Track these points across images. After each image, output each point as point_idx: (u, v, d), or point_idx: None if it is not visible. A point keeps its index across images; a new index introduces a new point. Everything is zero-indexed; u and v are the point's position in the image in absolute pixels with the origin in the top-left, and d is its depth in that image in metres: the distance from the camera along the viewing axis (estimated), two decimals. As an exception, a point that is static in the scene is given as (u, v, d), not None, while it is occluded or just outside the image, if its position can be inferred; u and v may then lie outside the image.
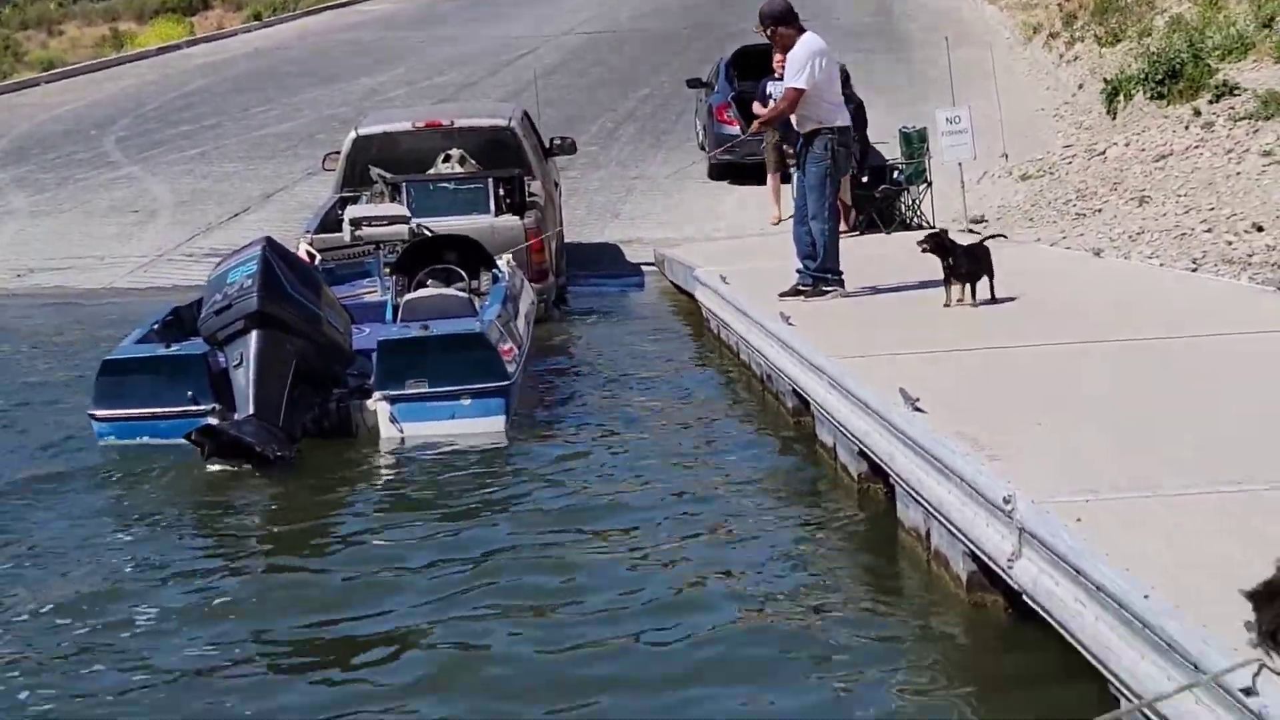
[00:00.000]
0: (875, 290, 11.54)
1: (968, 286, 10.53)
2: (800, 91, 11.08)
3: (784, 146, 15.18)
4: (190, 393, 9.44)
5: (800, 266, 11.49)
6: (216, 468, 8.94)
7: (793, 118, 11.38)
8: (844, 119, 11.40)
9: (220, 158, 23.98)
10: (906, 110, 20.17)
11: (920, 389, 7.40)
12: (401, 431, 9.61)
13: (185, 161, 23.78)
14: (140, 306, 14.91)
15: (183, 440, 9.07)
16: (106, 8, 51.87)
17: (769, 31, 11.34)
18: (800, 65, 11.08)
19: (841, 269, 11.43)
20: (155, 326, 10.35)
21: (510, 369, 9.85)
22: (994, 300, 10.55)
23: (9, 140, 26.58)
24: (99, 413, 9.56)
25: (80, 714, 5.81)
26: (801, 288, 11.37)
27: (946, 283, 10.57)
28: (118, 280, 17.45)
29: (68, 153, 25.04)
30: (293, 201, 20.47)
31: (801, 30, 11.27)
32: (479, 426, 9.60)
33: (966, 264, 10.55)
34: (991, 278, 10.58)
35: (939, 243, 10.65)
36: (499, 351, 9.81)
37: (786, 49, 11.28)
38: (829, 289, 11.32)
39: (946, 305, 10.51)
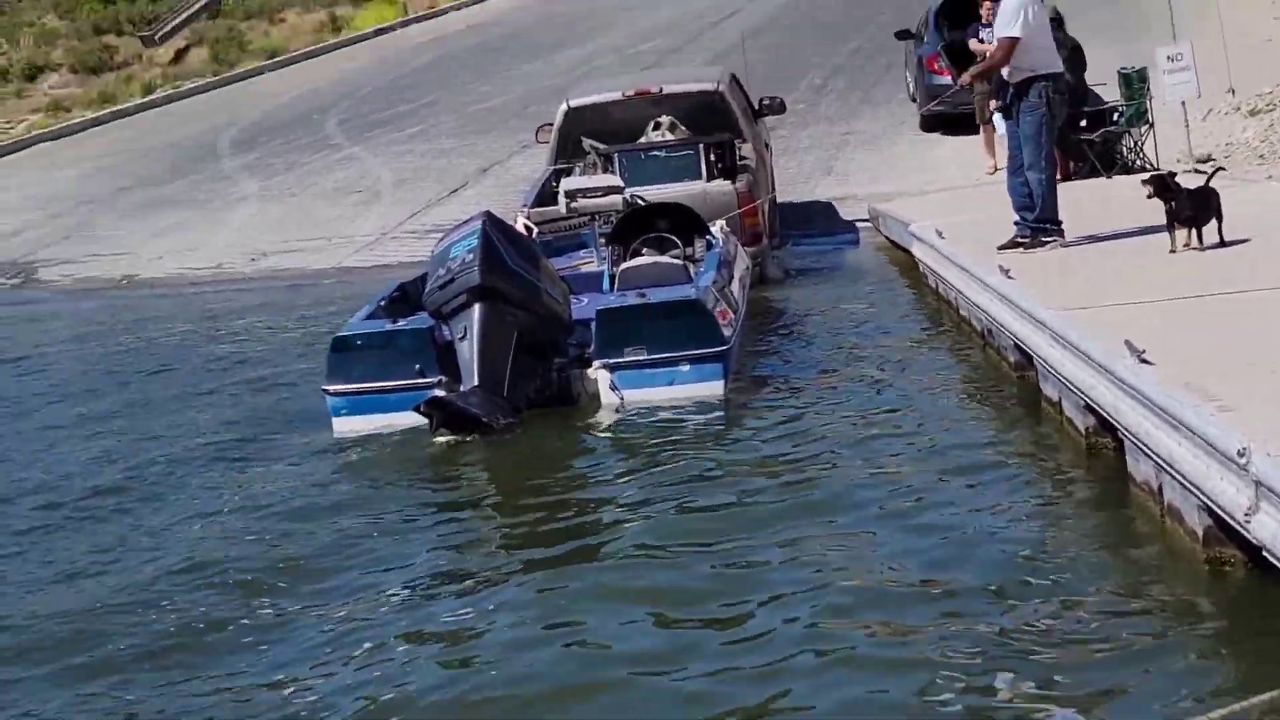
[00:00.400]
0: (1097, 238, 11.28)
1: (1194, 231, 10.22)
2: (1015, 40, 10.90)
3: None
4: (418, 366, 9.67)
5: (1018, 218, 11.30)
6: (443, 439, 9.19)
7: (1005, 68, 11.18)
8: (1057, 65, 11.22)
9: (437, 135, 24.47)
10: (1125, 50, 19.58)
11: (1147, 339, 7.22)
12: (622, 398, 9.74)
13: (404, 140, 24.33)
14: (367, 285, 15.36)
15: (412, 412, 9.33)
16: (323, -7, 53.05)
17: None
18: (1013, 14, 10.92)
19: (1061, 218, 11.21)
20: (382, 303, 10.63)
21: (727, 334, 9.91)
22: (1223, 244, 10.21)
23: (239, 129, 27.50)
24: (331, 388, 9.86)
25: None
26: (1020, 239, 11.18)
27: (1170, 228, 10.26)
28: (345, 260, 17.97)
29: (293, 138, 25.81)
30: (508, 175, 20.81)
31: None
32: (698, 391, 9.68)
33: (1191, 207, 10.21)
34: (1220, 220, 10.24)
35: (1163, 184, 10.32)
36: (715, 317, 9.87)
37: None
38: (1048, 239, 11.12)
39: (1172, 251, 10.21)
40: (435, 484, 8.83)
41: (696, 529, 7.42)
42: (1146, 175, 10.61)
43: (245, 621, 6.70)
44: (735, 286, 11.23)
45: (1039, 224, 11.18)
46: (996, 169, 15.57)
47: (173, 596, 7.06)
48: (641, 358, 9.72)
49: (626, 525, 7.57)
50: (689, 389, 9.69)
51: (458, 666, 5.99)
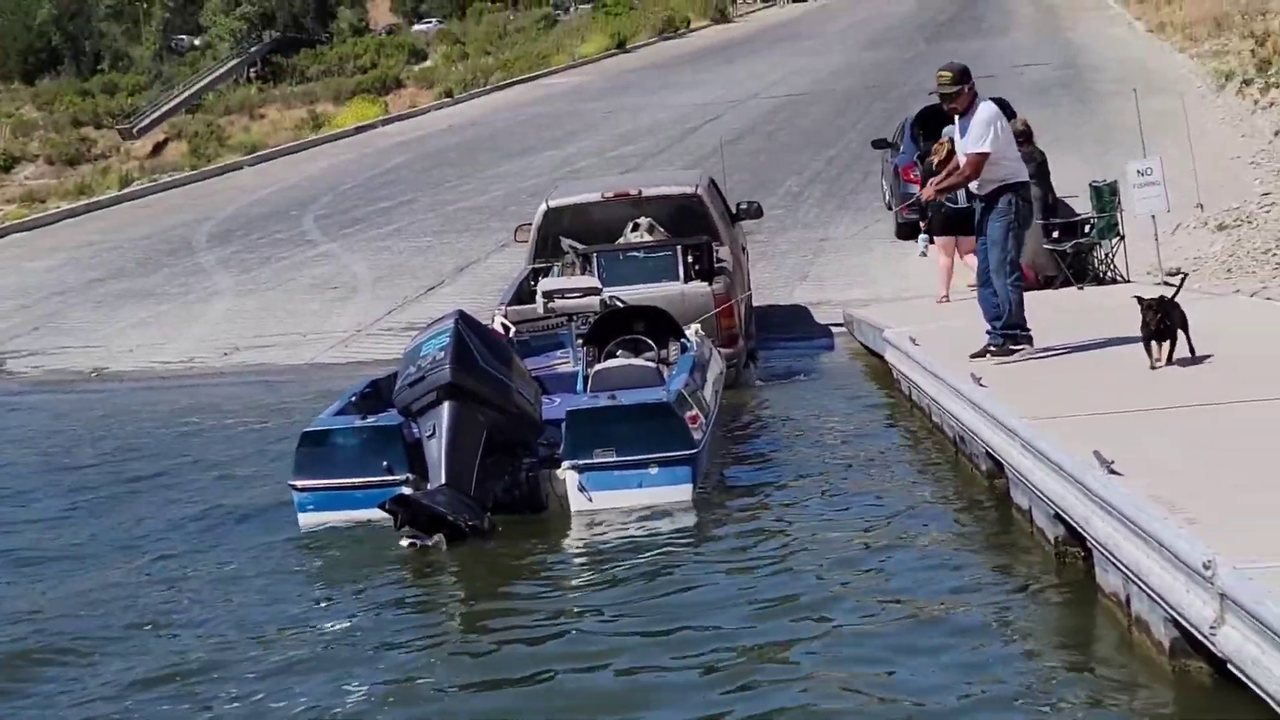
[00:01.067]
0: (1069, 348, 11.36)
1: (1162, 345, 10.22)
2: (984, 156, 10.97)
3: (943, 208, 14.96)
4: (386, 463, 9.63)
5: (989, 327, 11.37)
6: (406, 543, 9.04)
7: (974, 182, 11.30)
8: (1023, 175, 11.33)
9: (415, 233, 24.59)
10: (1096, 164, 19.88)
11: (1116, 451, 7.27)
12: (590, 500, 9.69)
13: (382, 238, 24.44)
14: (340, 382, 15.35)
15: (377, 509, 9.27)
16: (305, 91, 53.65)
17: (962, 88, 11.06)
18: (983, 129, 10.98)
19: (1029, 327, 11.28)
20: (354, 399, 10.62)
21: (696, 437, 9.93)
22: (1193, 356, 10.25)
23: (215, 223, 27.60)
24: (298, 483, 9.81)
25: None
26: (991, 348, 11.25)
27: (1146, 344, 10.22)
28: (319, 356, 17.96)
29: (270, 233, 25.91)
30: (486, 274, 20.89)
31: (976, 94, 11.14)
32: (667, 495, 9.67)
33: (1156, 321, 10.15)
34: (1186, 333, 10.29)
35: (1157, 305, 10.14)
36: (685, 420, 9.89)
37: (965, 108, 11.11)
38: (1017, 347, 11.16)
39: (1152, 367, 10.13)
40: (395, 585, 8.72)
41: (658, 640, 7.31)
42: (1148, 298, 10.30)
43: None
44: (707, 390, 11.27)
45: (1008, 331, 11.21)
46: (947, 298, 15.56)
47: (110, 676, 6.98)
48: (611, 459, 9.68)
49: (587, 638, 7.45)
50: (658, 491, 9.68)
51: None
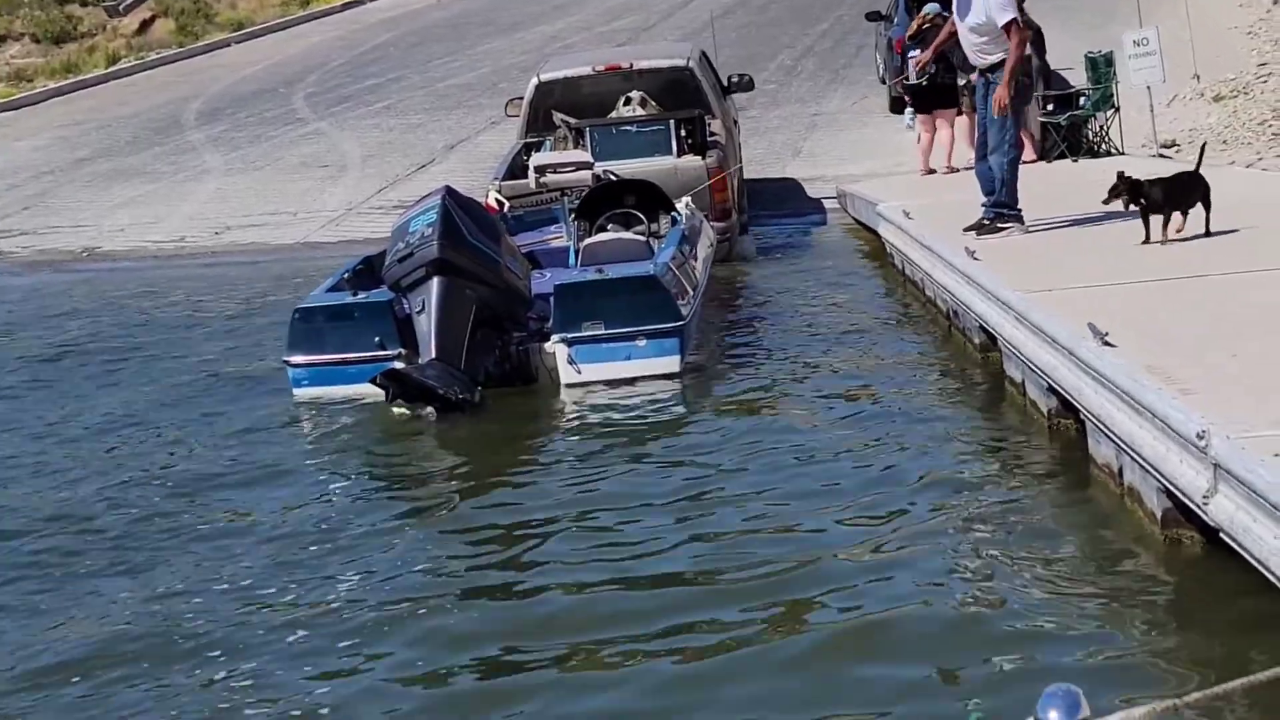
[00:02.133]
0: (1063, 221, 11.32)
1: (1177, 217, 10.00)
2: (1019, 25, 10.73)
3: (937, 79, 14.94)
4: (377, 338, 9.79)
5: (985, 201, 11.32)
6: (399, 410, 9.23)
7: (973, 55, 11.19)
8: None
9: (405, 110, 24.36)
10: (1093, 35, 19.65)
11: (1110, 322, 7.26)
12: (580, 373, 9.84)
13: (371, 115, 24.21)
14: (332, 260, 15.31)
15: (369, 384, 9.37)
16: (291, -34, 52.82)
17: None
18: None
19: (1020, 206, 11.22)
20: (346, 275, 10.72)
21: (684, 310, 10.01)
22: (1208, 234, 9.99)
23: (203, 101, 27.31)
24: (292, 359, 9.97)
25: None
26: (984, 221, 11.22)
27: (1145, 220, 10.00)
28: (311, 234, 17.87)
29: (259, 111, 25.65)
30: (476, 151, 20.73)
31: None
32: (655, 366, 9.82)
33: (1166, 196, 10.00)
34: (1208, 209, 9.98)
35: (1133, 188, 9.98)
36: (671, 293, 9.98)
37: None
38: (1005, 225, 11.14)
39: (1145, 242, 9.97)
40: (385, 463, 8.86)
41: (640, 522, 7.29)
42: (1111, 185, 10.10)
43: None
44: (696, 263, 11.31)
45: (998, 208, 11.20)
46: (929, 171, 15.58)
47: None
48: (599, 332, 9.82)
49: (569, 517, 7.45)
50: (646, 363, 9.82)
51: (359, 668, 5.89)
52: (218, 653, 6.02)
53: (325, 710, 5.51)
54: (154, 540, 7.46)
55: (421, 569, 6.89)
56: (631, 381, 9.73)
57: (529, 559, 6.90)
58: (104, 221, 19.47)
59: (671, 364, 9.85)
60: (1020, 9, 13.80)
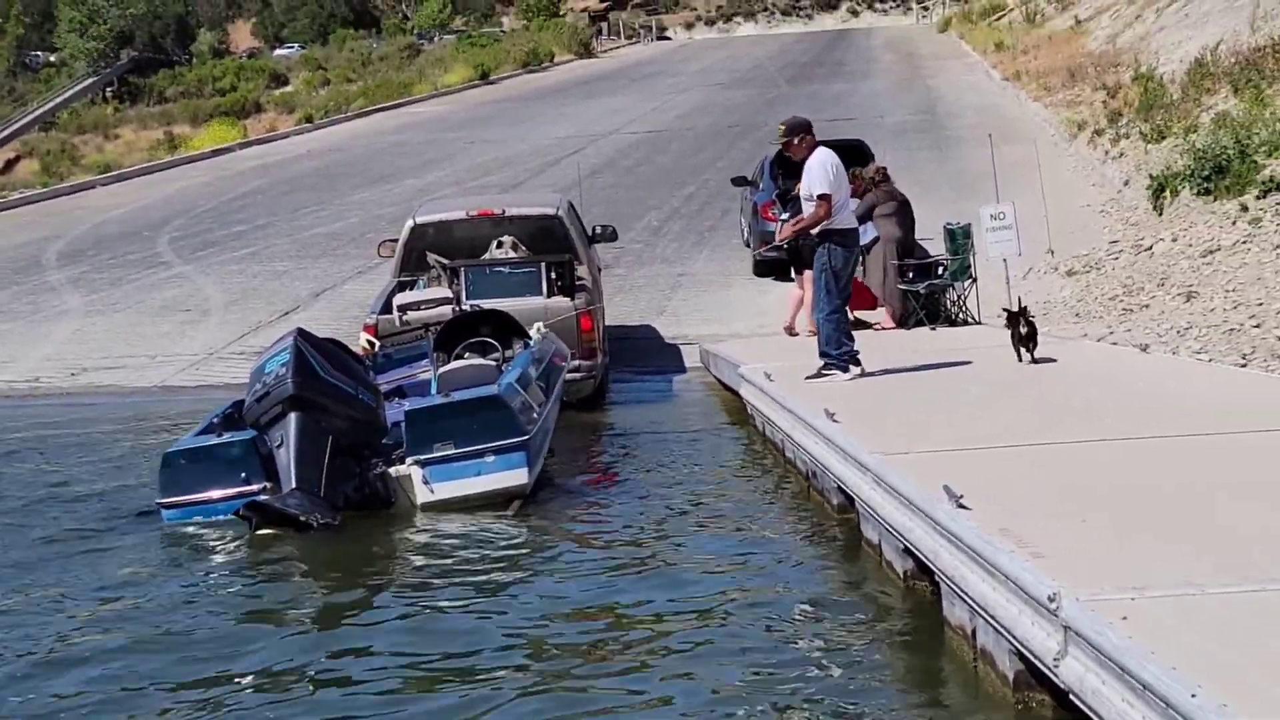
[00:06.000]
0: (921, 386, 11.52)
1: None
2: (830, 197, 11.88)
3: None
4: (243, 474, 10.27)
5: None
6: (265, 532, 9.66)
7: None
8: (847, 222, 12.30)
9: (271, 257, 24.29)
10: (951, 207, 20.21)
11: (965, 485, 7.37)
12: (433, 492, 10.34)
13: (236, 261, 24.10)
14: (189, 404, 15.13)
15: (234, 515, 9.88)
16: (163, 112, 52.87)
17: (794, 140, 12.22)
18: (823, 173, 11.95)
19: (835, 354, 12.15)
20: (215, 420, 11.18)
21: (529, 425, 10.55)
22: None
23: (66, 241, 27.02)
24: (164, 500, 10.35)
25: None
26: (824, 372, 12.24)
27: (1016, 347, 12.38)
28: (170, 378, 17.63)
29: (122, 253, 25.43)
30: (341, 300, 20.70)
31: (815, 143, 12.20)
32: (504, 480, 10.36)
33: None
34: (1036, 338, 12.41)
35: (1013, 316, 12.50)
36: (514, 410, 10.53)
37: (801, 157, 12.21)
38: (828, 372, 12.15)
39: (1020, 360, 12.30)
40: (247, 578, 9.07)
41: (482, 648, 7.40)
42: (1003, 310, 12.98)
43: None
44: (546, 381, 11.91)
45: (822, 355, 12.28)
46: (793, 329, 16.14)
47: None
48: (450, 452, 10.35)
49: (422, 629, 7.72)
50: (496, 478, 10.36)
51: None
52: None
53: None
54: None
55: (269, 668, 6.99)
56: (483, 505, 10.23)
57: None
58: (-45, 360, 19.04)
59: (519, 476, 10.37)
60: (885, 181, 15.21)
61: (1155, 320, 15.22)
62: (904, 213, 16.63)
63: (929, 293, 16.32)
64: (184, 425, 12.52)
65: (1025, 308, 12.67)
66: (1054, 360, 12.51)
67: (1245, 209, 17.48)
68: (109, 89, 65.66)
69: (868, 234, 16.13)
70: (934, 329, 15.87)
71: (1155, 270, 17.22)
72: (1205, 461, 8.26)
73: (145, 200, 31.72)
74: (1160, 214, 19.70)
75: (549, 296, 14.63)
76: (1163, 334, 14.41)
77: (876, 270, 16.33)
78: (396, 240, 16.23)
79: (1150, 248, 18.23)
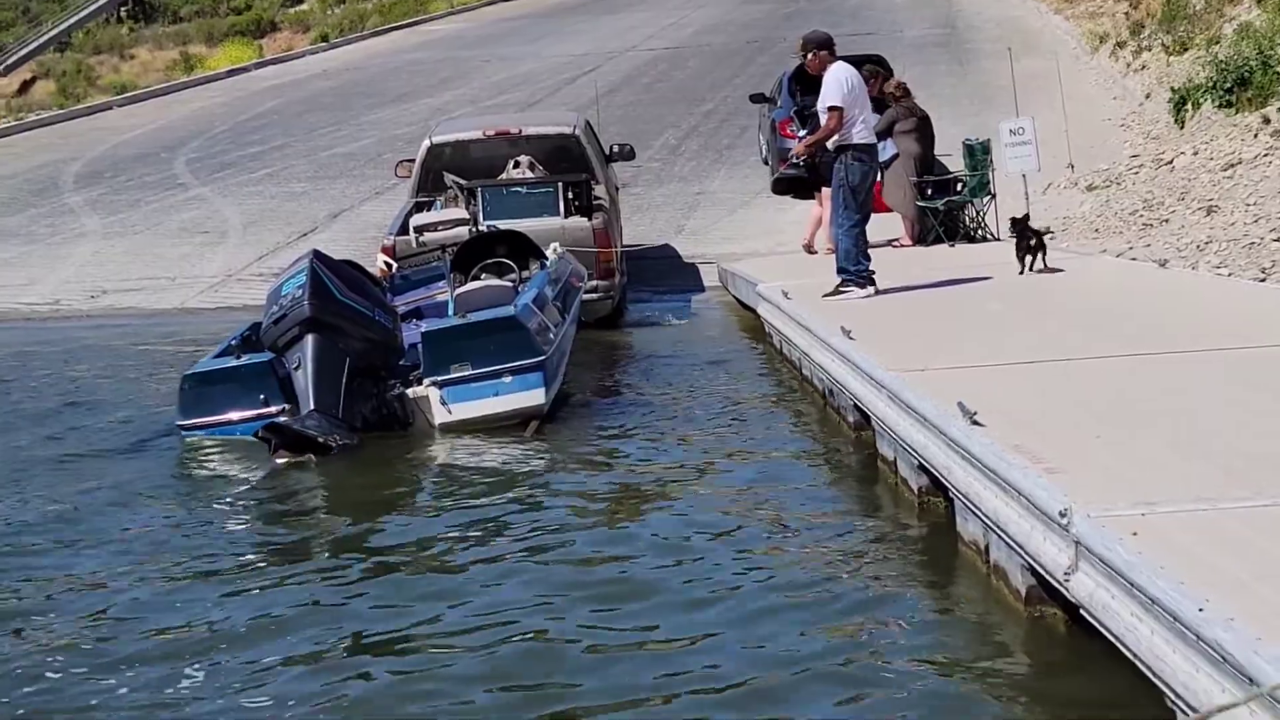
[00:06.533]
0: (938, 303, 11.51)
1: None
2: (839, 110, 11.84)
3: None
4: (262, 396, 10.30)
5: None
6: (283, 461, 9.66)
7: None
8: (865, 137, 12.20)
9: (288, 178, 24.26)
10: (971, 122, 20.11)
11: (979, 402, 7.38)
12: (451, 413, 10.39)
13: (254, 183, 24.07)
14: (209, 325, 15.19)
15: (253, 437, 9.92)
16: (178, 31, 52.65)
17: (809, 55, 12.25)
18: (836, 86, 11.93)
19: (852, 270, 12.19)
20: (234, 342, 11.20)
21: (545, 346, 10.61)
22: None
23: (83, 163, 27.01)
24: (184, 422, 10.42)
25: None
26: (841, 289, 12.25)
27: (1020, 256, 12.99)
28: (189, 300, 17.70)
29: (139, 175, 25.41)
30: (359, 220, 20.69)
31: (834, 58, 12.20)
32: (521, 400, 10.41)
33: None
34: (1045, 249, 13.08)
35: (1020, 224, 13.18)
36: (531, 331, 10.59)
37: (816, 71, 12.22)
38: (845, 290, 12.15)
39: (1020, 273, 12.84)
40: (270, 505, 9.10)
41: (499, 567, 7.44)
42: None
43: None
44: (562, 302, 11.98)
45: (840, 272, 12.27)
46: (811, 247, 16.11)
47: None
48: (467, 373, 10.39)
49: (440, 551, 7.73)
50: (513, 399, 10.41)
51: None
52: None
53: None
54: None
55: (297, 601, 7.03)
56: (501, 425, 10.29)
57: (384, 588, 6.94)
58: (-24, 282, 19.13)
59: (536, 397, 10.42)
60: (906, 97, 15.09)
61: (1175, 235, 15.14)
62: (923, 129, 16.53)
63: (947, 209, 16.27)
64: (205, 347, 12.54)
65: (1027, 215, 13.30)
66: (1060, 270, 12.90)
67: (1267, 121, 17.33)
68: (123, 8, 65.26)
69: (887, 150, 16.04)
70: (952, 245, 15.82)
71: (1175, 184, 17.11)
72: (1222, 377, 8.25)
73: (162, 121, 31.65)
74: (1181, 127, 19.55)
75: (566, 216, 14.66)
76: (1182, 249, 14.35)
77: (895, 187, 16.27)
78: (413, 160, 16.25)
79: (1171, 162, 18.11)
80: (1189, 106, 19.58)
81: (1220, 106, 18.76)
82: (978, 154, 16.53)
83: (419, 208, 15.36)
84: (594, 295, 14.24)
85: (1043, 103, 19.81)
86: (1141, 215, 16.49)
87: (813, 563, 7.35)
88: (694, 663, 6.12)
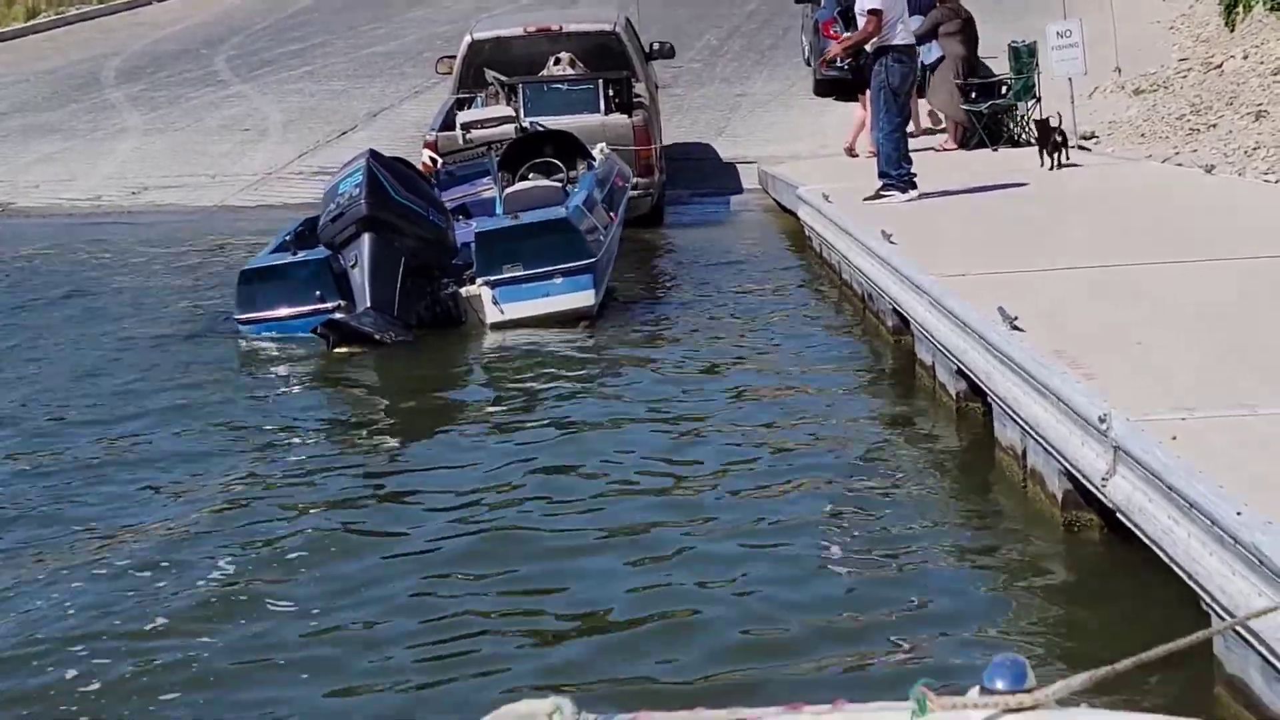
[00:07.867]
0: (979, 208, 11.44)
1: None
2: (878, 13, 11.73)
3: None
4: (318, 292, 10.51)
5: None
6: (342, 350, 9.95)
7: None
8: (905, 38, 12.11)
9: (328, 76, 24.16)
10: (1017, 25, 19.79)
11: (1020, 307, 7.35)
12: (503, 313, 10.54)
13: (294, 80, 23.99)
14: (252, 223, 15.24)
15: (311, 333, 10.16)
16: (217, -73, 52.07)
17: None
18: None
19: (894, 174, 12.11)
20: (288, 237, 11.38)
21: (595, 248, 10.69)
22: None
23: (123, 59, 26.95)
24: (242, 316, 10.66)
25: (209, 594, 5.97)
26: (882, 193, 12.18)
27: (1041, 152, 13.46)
28: (229, 198, 17.73)
29: (179, 71, 25.35)
30: (399, 120, 20.62)
31: None
32: (572, 301, 10.57)
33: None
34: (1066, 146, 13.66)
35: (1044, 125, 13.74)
36: (582, 233, 10.67)
37: None
38: (886, 194, 12.07)
39: (1043, 166, 13.31)
40: (330, 402, 9.45)
41: (552, 464, 7.55)
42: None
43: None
44: (610, 203, 12.02)
45: (881, 176, 12.22)
46: (853, 150, 16.04)
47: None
48: (519, 274, 10.52)
49: (489, 449, 7.88)
50: (563, 299, 10.55)
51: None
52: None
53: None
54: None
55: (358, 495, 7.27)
56: (550, 322, 10.44)
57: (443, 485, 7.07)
58: (19, 178, 19.21)
59: (587, 298, 10.57)
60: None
61: (1222, 140, 14.95)
62: (968, 30, 16.31)
63: (992, 113, 16.10)
64: (255, 244, 12.71)
65: (1048, 119, 13.81)
66: (1077, 165, 13.42)
67: (1319, 26, 17.06)
68: (164, -96, 64.88)
69: (932, 53, 15.87)
70: (996, 150, 15.68)
71: (1224, 89, 16.87)
72: (1266, 284, 8.18)
73: (201, 17, 31.51)
74: (1232, 30, 19.23)
75: (606, 113, 14.66)
76: (1229, 154, 14.17)
77: (941, 89, 16.10)
78: (454, 57, 16.28)
79: (1220, 65, 17.84)
80: (1240, 9, 19.24)
81: (1272, 9, 18.43)
82: (1023, 56, 16.32)
83: (460, 104, 15.39)
84: (634, 192, 14.19)
85: (1091, 4, 19.49)
86: (1189, 120, 16.28)
87: (849, 466, 7.37)
88: (731, 557, 6.20)
